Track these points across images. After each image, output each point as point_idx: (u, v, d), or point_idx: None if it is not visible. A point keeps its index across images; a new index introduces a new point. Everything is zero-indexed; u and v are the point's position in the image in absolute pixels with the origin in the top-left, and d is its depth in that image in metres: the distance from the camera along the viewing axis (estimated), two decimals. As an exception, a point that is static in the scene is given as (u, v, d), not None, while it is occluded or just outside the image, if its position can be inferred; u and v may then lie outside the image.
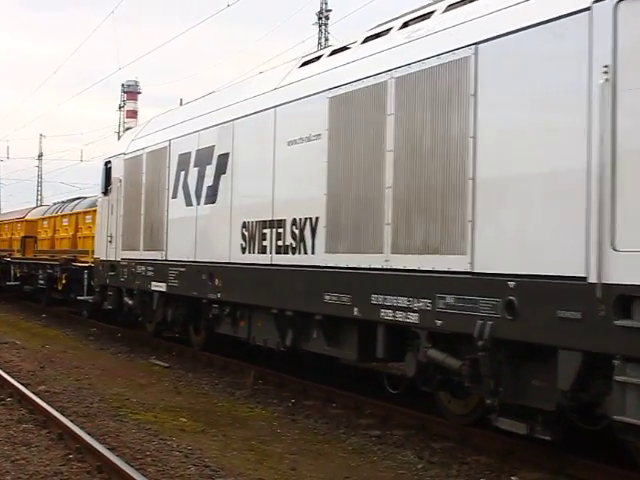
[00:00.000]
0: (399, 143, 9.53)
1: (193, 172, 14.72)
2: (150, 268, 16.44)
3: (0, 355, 16.08)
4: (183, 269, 14.93)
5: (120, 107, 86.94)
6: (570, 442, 8.32)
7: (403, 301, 9.27)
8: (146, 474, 7.79)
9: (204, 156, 14.32)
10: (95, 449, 8.35)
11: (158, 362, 16.06)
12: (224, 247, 13.42)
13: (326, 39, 56.15)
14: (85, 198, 30.25)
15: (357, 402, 11.57)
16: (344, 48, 11.70)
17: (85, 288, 22.43)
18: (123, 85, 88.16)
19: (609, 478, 7.91)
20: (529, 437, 8.14)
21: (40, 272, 26.82)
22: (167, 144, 16.02)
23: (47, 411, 10.21)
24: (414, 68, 9.33)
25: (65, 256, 24.04)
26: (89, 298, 21.82)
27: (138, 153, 17.64)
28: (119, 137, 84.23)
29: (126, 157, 18.34)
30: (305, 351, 12.04)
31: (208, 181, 14.12)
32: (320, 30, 56.12)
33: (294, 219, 11.46)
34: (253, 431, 10.27)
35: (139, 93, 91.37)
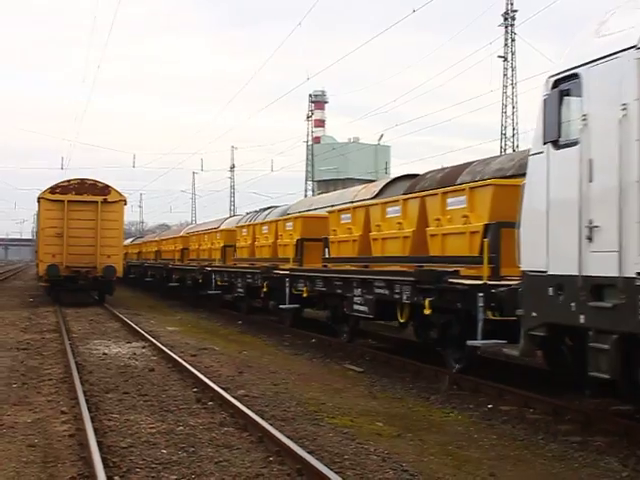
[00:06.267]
0: None
1: None
2: None
3: (201, 360, 16.65)
4: None
5: (308, 117, 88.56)
6: None
7: None
8: (346, 478, 7.89)
9: None
10: (295, 452, 8.50)
11: (352, 367, 16.17)
12: None
13: (512, 40, 55.41)
14: (277, 207, 31.19)
15: (555, 407, 11.26)
16: None
17: (287, 297, 21.60)
18: (311, 95, 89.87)
19: None
20: None
21: (239, 280, 26.81)
22: None
23: (247, 415, 10.48)
24: None
25: (266, 264, 23.86)
26: (292, 307, 21.61)
27: None
28: (308, 145, 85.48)
29: None
30: None
31: None
32: (506, 31, 55.42)
33: None
34: (450, 436, 10.19)
35: (326, 102, 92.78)
